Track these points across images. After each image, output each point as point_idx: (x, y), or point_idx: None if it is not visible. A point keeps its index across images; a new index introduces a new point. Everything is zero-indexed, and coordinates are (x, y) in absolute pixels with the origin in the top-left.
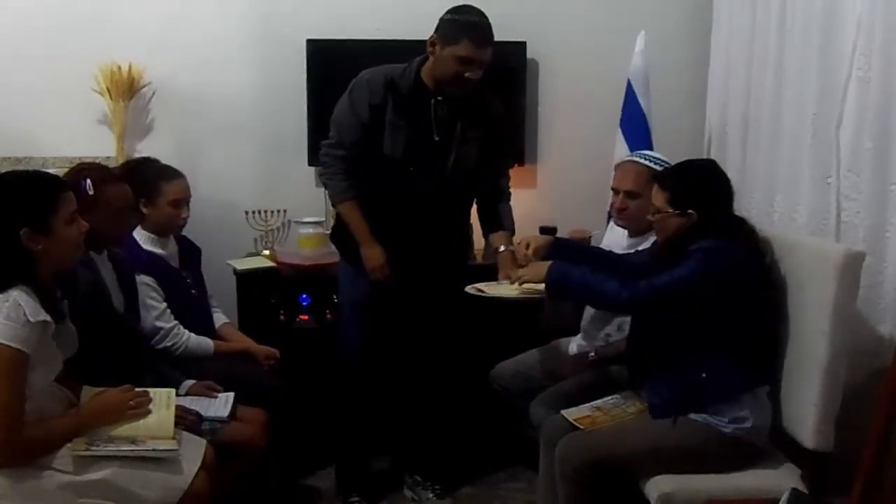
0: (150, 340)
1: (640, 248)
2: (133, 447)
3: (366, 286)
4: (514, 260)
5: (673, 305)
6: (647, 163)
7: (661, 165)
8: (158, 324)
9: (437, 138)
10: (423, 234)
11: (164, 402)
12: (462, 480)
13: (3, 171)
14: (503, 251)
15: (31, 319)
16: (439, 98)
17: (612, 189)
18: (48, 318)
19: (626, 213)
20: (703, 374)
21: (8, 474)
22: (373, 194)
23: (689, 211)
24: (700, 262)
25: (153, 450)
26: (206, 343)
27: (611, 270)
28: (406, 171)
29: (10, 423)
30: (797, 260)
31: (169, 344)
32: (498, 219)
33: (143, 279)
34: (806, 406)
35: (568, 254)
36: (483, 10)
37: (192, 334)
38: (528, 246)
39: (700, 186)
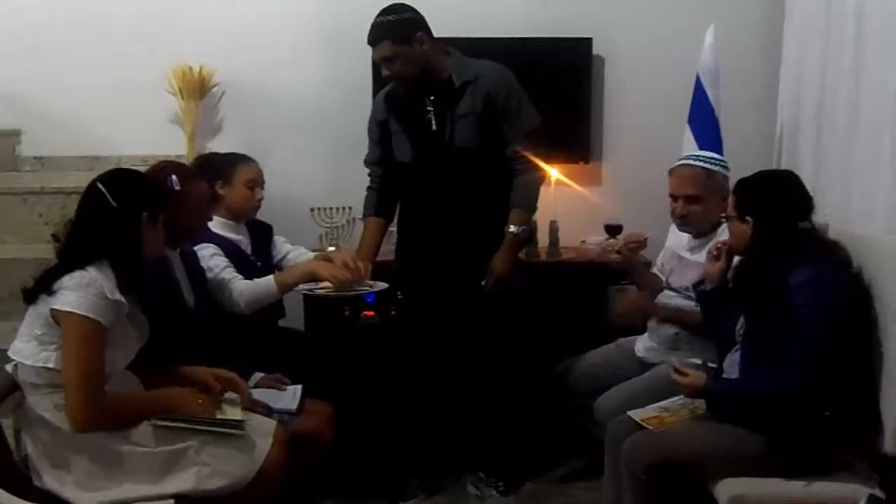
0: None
1: (704, 248)
2: (208, 418)
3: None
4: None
5: (828, 359)
6: (701, 164)
7: (715, 164)
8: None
9: (434, 128)
10: (457, 224)
11: (230, 402)
12: (525, 477)
13: (80, 169)
14: (512, 230)
15: (109, 296)
16: (431, 97)
17: (671, 195)
18: (122, 299)
19: (688, 218)
20: (826, 412)
21: (88, 454)
22: (406, 200)
23: (747, 218)
24: (816, 301)
25: (227, 419)
26: (265, 283)
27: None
28: (420, 170)
29: (94, 388)
30: (875, 259)
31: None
32: (511, 195)
33: (204, 245)
34: (885, 410)
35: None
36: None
37: (242, 280)
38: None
39: (759, 194)
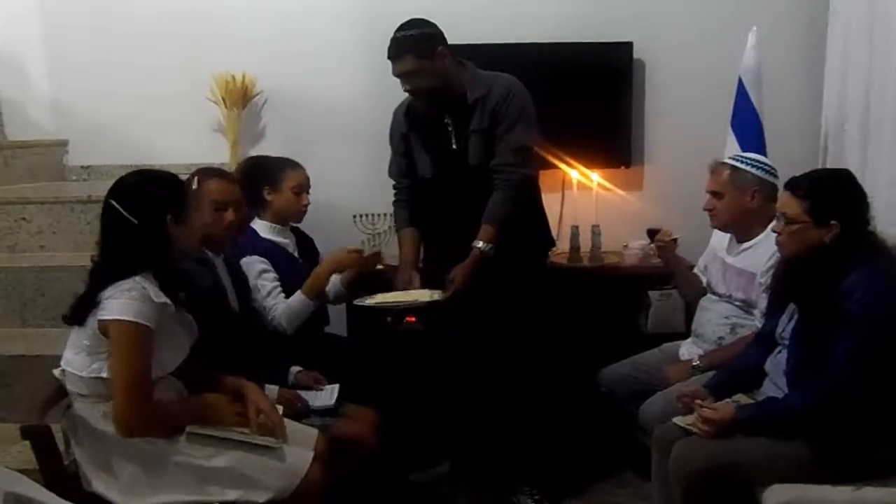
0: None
1: (743, 253)
2: (245, 432)
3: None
4: None
5: (875, 363)
6: (732, 162)
7: (747, 163)
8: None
9: (454, 147)
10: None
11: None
12: (568, 486)
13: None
14: (479, 247)
15: (155, 300)
16: (450, 114)
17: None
18: (167, 300)
19: (714, 213)
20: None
21: (134, 461)
22: (430, 214)
23: (832, 222)
24: (864, 315)
25: (263, 440)
26: (296, 299)
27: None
28: (441, 186)
29: (141, 393)
30: None
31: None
32: (486, 210)
33: (252, 259)
34: None
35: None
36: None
37: (281, 302)
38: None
39: (845, 196)
